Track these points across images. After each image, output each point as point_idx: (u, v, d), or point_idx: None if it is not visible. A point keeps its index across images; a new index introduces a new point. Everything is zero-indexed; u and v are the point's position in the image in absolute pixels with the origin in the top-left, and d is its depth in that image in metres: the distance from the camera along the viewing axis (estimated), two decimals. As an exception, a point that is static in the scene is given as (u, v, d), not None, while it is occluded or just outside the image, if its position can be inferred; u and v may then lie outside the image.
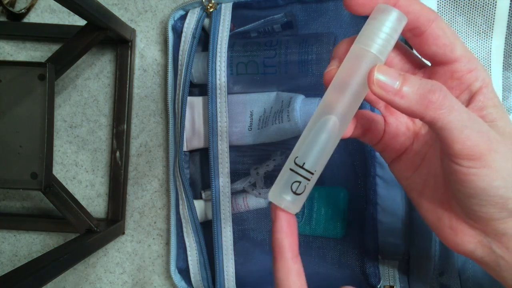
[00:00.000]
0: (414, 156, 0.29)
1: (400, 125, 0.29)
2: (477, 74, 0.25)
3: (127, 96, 0.51)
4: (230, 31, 0.45)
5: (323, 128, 0.25)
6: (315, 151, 0.25)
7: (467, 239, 0.26)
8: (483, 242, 0.26)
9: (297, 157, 0.25)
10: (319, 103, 0.43)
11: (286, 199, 0.25)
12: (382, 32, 0.24)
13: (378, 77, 0.23)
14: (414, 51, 0.28)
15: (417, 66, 0.28)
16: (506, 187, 0.23)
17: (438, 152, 0.27)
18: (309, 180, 0.25)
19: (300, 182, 0.25)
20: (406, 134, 0.29)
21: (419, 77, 0.23)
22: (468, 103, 0.26)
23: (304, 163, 0.25)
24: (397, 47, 0.27)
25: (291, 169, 0.25)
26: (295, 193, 0.25)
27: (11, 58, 0.54)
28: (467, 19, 0.42)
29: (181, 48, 0.47)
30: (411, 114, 0.23)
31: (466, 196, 0.24)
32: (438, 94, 0.22)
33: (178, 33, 0.48)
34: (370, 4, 0.25)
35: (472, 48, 0.42)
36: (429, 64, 0.28)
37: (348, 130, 0.27)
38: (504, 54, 0.41)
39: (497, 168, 0.23)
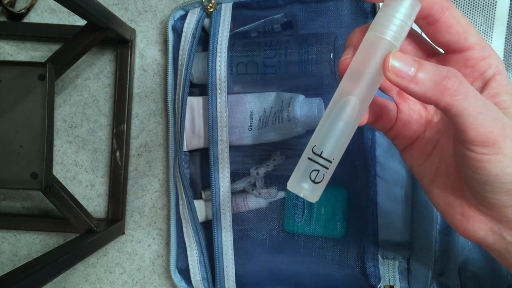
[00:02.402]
0: (426, 143, 0.29)
1: (413, 112, 0.30)
2: (491, 61, 0.26)
3: (127, 96, 0.51)
4: (230, 31, 0.45)
5: (341, 111, 0.25)
6: (332, 138, 0.25)
7: (478, 226, 0.26)
8: (494, 229, 0.26)
9: (315, 145, 0.25)
10: (319, 102, 0.43)
11: (305, 188, 0.26)
12: (396, 19, 0.24)
13: (393, 64, 0.23)
14: (427, 38, 0.28)
15: (430, 53, 0.28)
16: None
17: (450, 139, 0.27)
18: (327, 168, 0.25)
19: (318, 171, 0.25)
20: (419, 121, 0.29)
21: (433, 63, 0.23)
22: (481, 90, 0.26)
23: (322, 152, 0.25)
24: (410, 34, 0.27)
25: (309, 158, 0.25)
26: (314, 181, 0.25)
27: (11, 58, 0.54)
28: (467, 19, 0.42)
29: (181, 48, 0.47)
30: (426, 100, 0.23)
31: (479, 182, 0.24)
32: (454, 81, 0.22)
33: (178, 33, 0.48)
34: None
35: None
36: (442, 51, 0.28)
37: (363, 118, 0.28)
38: (504, 54, 0.41)
39: (511, 155, 0.23)
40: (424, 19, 0.25)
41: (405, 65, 0.23)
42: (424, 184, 0.29)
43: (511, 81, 0.42)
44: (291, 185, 0.26)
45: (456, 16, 0.25)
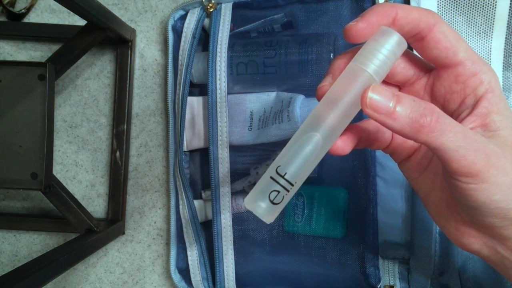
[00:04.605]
0: (421, 158, 0.29)
1: None
2: (482, 77, 0.25)
3: (127, 96, 0.51)
4: (230, 31, 0.45)
5: (306, 144, 0.25)
6: (297, 163, 0.25)
7: (472, 240, 0.27)
8: (489, 244, 0.26)
9: (279, 166, 0.25)
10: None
11: (262, 207, 0.25)
12: (381, 54, 0.24)
13: (371, 96, 0.23)
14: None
15: (423, 70, 0.28)
16: (506, 199, 0.23)
17: None
18: (288, 191, 0.25)
19: (278, 192, 0.25)
20: None
21: (413, 97, 0.23)
22: (472, 108, 0.25)
23: (285, 173, 0.25)
24: (402, 53, 0.27)
25: (271, 177, 0.25)
26: (272, 202, 0.25)
27: (11, 58, 0.54)
28: (467, 19, 0.42)
29: (181, 48, 0.47)
30: (404, 136, 0.23)
31: (468, 207, 0.24)
32: (430, 118, 0.22)
33: (178, 33, 0.48)
34: (371, 31, 0.25)
35: (472, 48, 0.42)
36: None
37: (346, 148, 0.27)
38: (504, 54, 0.41)
39: (496, 182, 0.23)
40: (412, 37, 0.25)
41: (384, 99, 0.23)
42: (421, 196, 0.30)
43: (510, 81, 0.42)
44: (248, 202, 0.25)
45: (444, 31, 0.25)
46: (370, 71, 0.24)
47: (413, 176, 0.30)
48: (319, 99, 0.26)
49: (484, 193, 0.23)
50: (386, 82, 0.28)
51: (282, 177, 0.25)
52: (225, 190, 0.45)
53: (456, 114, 0.26)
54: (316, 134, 0.25)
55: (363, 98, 0.23)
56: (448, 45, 0.25)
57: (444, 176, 0.25)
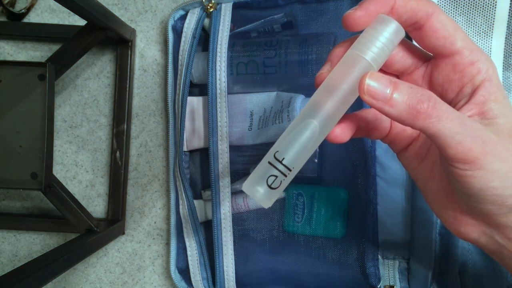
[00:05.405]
0: (420, 147, 0.29)
1: None
2: (480, 66, 0.25)
3: (127, 96, 0.51)
4: (230, 31, 0.45)
5: (304, 130, 0.25)
6: (295, 149, 0.25)
7: (470, 229, 0.27)
8: (486, 232, 0.26)
9: (277, 151, 0.25)
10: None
11: (260, 192, 0.25)
12: (379, 41, 0.24)
13: (369, 83, 0.23)
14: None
15: (421, 59, 0.28)
16: (503, 186, 0.23)
17: None
18: (286, 176, 0.25)
19: (276, 177, 0.25)
20: None
21: (410, 84, 0.23)
22: (470, 97, 0.26)
23: (283, 158, 0.25)
24: (400, 42, 0.27)
25: (269, 162, 0.25)
26: (270, 186, 0.25)
27: (11, 58, 0.54)
28: (467, 19, 0.42)
29: (181, 48, 0.47)
30: (401, 122, 0.23)
31: (465, 194, 0.25)
32: (427, 104, 0.23)
33: (178, 33, 0.48)
34: (369, 19, 0.25)
35: (472, 48, 0.42)
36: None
37: (344, 136, 0.27)
38: (504, 54, 0.41)
39: (493, 169, 0.23)
40: (410, 25, 0.25)
41: (381, 85, 0.23)
42: (420, 185, 0.30)
43: (510, 81, 0.42)
44: (246, 187, 0.26)
45: (442, 20, 0.25)
46: (368, 58, 0.24)
47: (411, 165, 0.30)
48: (317, 87, 0.26)
49: (480, 179, 0.23)
50: (385, 71, 0.29)
51: (280, 162, 0.25)
52: (225, 190, 0.45)
53: (454, 103, 0.26)
54: (313, 121, 0.25)
55: (360, 84, 0.23)
56: (446, 34, 0.25)
57: (441, 163, 0.25)
